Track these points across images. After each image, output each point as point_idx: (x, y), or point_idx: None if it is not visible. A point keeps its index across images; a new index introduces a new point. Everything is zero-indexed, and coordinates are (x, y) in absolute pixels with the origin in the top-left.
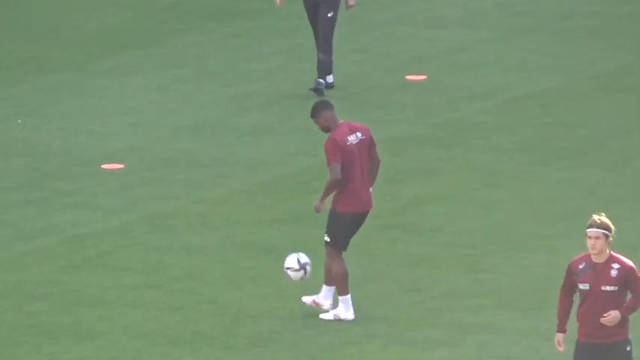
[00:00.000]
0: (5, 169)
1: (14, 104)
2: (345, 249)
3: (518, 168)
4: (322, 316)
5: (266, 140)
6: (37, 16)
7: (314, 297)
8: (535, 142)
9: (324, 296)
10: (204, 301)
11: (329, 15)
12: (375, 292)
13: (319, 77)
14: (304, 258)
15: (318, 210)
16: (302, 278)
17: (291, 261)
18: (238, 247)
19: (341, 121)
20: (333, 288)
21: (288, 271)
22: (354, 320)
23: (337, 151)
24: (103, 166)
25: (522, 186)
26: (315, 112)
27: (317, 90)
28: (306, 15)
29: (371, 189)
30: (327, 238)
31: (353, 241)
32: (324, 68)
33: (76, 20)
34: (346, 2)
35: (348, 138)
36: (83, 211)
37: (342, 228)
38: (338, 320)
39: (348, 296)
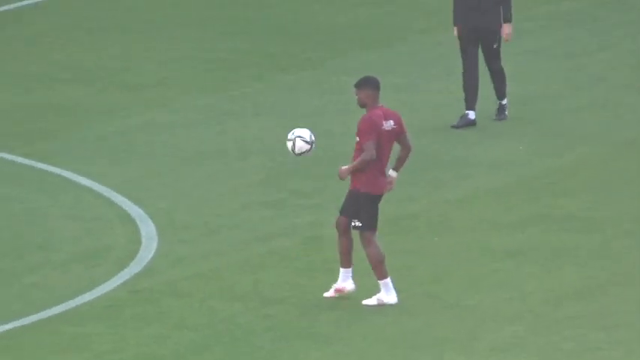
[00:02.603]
0: (242, 169)
1: (253, 102)
2: (376, 229)
3: None
4: (365, 302)
5: (508, 141)
6: (282, 11)
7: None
8: None
9: (342, 279)
10: (447, 305)
11: (494, 46)
12: (618, 298)
13: (500, 99)
14: (300, 131)
15: (342, 176)
16: (293, 150)
17: (305, 133)
18: (482, 250)
19: (380, 104)
20: (349, 270)
21: (298, 139)
22: (595, 325)
23: (373, 130)
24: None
25: None
26: (359, 84)
27: (501, 117)
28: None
29: (393, 173)
30: (357, 223)
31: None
32: (502, 91)
33: (323, 16)
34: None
35: (383, 122)
36: (322, 212)
37: (370, 208)
38: (386, 303)
39: (388, 279)
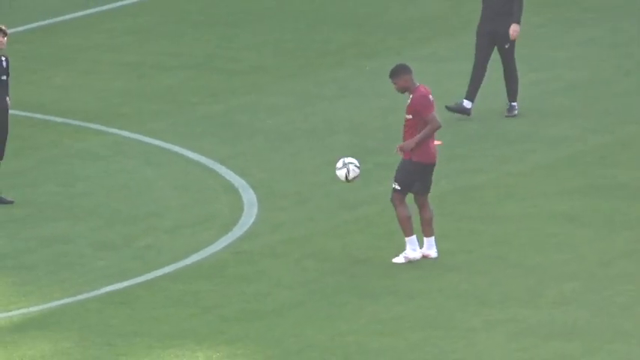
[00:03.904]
0: (331, 144)
1: (339, 86)
2: (407, 193)
3: None
4: (394, 260)
5: (565, 120)
6: (359, 4)
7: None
8: None
9: (427, 247)
10: (511, 265)
11: (506, 47)
12: None
13: (511, 101)
14: (349, 159)
15: (407, 149)
16: (346, 177)
17: (355, 160)
18: (542, 216)
19: (417, 83)
20: (432, 239)
21: (351, 165)
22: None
23: (429, 104)
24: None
25: None
26: (395, 74)
27: (511, 115)
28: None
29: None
30: (397, 186)
31: None
32: (514, 94)
33: (395, 8)
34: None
35: (429, 96)
36: None
37: (413, 176)
38: (412, 259)
39: (414, 236)
